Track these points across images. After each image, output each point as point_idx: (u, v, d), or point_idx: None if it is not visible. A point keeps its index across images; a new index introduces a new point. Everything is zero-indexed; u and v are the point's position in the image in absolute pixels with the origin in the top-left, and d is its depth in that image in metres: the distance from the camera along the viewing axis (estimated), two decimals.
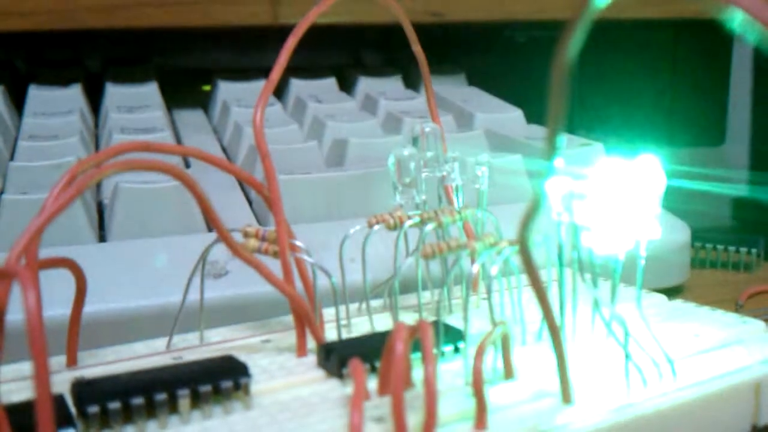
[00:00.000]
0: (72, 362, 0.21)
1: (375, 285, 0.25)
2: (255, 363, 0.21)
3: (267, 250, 0.22)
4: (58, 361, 0.21)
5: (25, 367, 0.20)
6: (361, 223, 0.24)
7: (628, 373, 0.19)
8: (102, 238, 0.29)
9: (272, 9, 0.41)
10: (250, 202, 0.32)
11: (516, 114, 0.41)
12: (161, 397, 0.18)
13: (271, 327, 0.24)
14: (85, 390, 0.18)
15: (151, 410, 0.18)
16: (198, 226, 0.29)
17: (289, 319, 0.22)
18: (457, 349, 0.21)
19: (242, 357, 0.20)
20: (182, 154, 0.24)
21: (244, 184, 0.33)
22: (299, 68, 0.45)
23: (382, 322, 0.23)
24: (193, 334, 0.23)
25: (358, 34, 0.49)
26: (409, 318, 0.23)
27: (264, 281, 0.21)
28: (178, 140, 0.40)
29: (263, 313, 0.24)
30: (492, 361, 0.20)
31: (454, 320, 0.23)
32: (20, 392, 0.19)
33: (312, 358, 0.21)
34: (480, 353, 0.18)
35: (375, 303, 0.25)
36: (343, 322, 0.23)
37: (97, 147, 0.38)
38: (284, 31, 0.24)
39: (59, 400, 0.18)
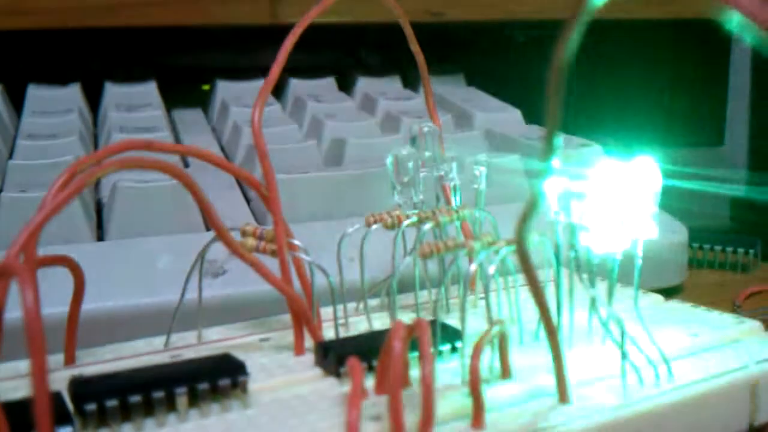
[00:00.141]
0: (70, 360, 0.21)
1: (373, 284, 0.25)
2: (253, 361, 0.21)
3: (265, 249, 0.22)
4: (55, 359, 0.21)
5: (23, 365, 0.20)
6: (359, 223, 0.24)
7: (625, 372, 0.20)
8: (100, 237, 0.29)
9: (271, 8, 0.41)
10: (248, 201, 0.32)
11: (515, 114, 0.41)
12: (159, 395, 0.18)
13: (269, 326, 0.24)
14: (82, 388, 0.18)
15: (148, 408, 0.18)
16: (196, 225, 0.29)
17: (287, 317, 0.22)
18: (454, 349, 0.21)
19: (240, 355, 0.20)
20: (182, 153, 0.24)
21: (242, 183, 0.33)
22: (298, 68, 0.46)
23: (380, 322, 0.24)
24: (191, 332, 0.23)
25: (357, 33, 0.49)
26: (406, 317, 0.23)
27: (262, 280, 0.21)
28: (177, 140, 0.40)
29: (261, 312, 0.24)
30: (489, 360, 0.20)
31: (452, 320, 0.23)
32: (18, 390, 0.19)
33: (310, 357, 0.21)
34: (477, 352, 0.18)
35: (373, 302, 0.25)
36: (341, 321, 0.23)
37: (96, 146, 0.38)
38: (283, 31, 0.24)
39: (57, 397, 0.18)
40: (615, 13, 0.43)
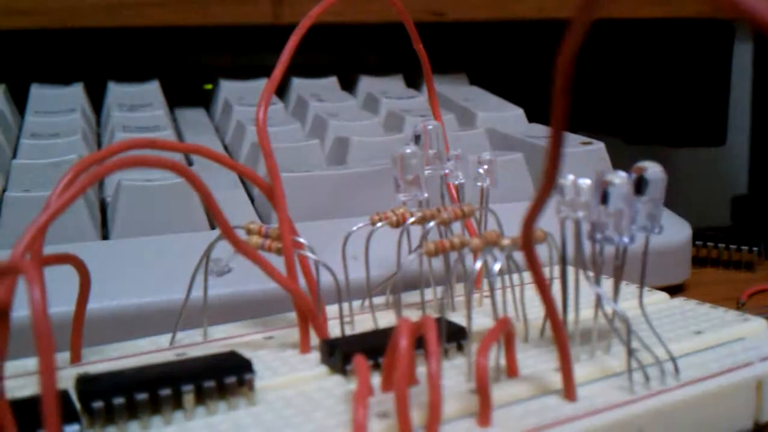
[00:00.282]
0: (76, 359, 0.21)
1: (378, 282, 0.25)
2: (259, 359, 0.21)
3: (270, 247, 0.22)
4: (62, 357, 0.21)
5: (30, 363, 0.20)
6: (364, 221, 0.24)
7: (631, 370, 0.20)
8: (105, 236, 0.29)
9: (273, 8, 0.41)
10: (252, 200, 0.32)
11: (517, 113, 0.41)
12: (166, 392, 0.18)
13: (275, 324, 0.24)
14: (89, 385, 0.18)
15: (155, 406, 0.18)
16: (201, 224, 0.29)
17: (293, 315, 0.22)
18: (460, 347, 0.21)
19: (246, 353, 0.20)
20: (186, 151, 0.25)
21: (246, 181, 0.33)
22: (301, 67, 0.46)
23: (385, 319, 0.24)
24: (196, 330, 0.23)
25: (360, 33, 0.49)
26: (411, 315, 0.23)
27: (267, 278, 0.21)
28: (180, 139, 0.40)
29: (266, 310, 0.25)
30: (495, 358, 0.20)
31: (457, 317, 0.23)
32: (25, 388, 0.19)
33: (315, 355, 0.21)
34: (483, 350, 0.18)
35: (378, 300, 0.25)
36: (347, 318, 0.23)
37: (99, 145, 0.38)
38: (286, 31, 0.24)
39: (64, 395, 0.18)
40: (616, 13, 0.44)
